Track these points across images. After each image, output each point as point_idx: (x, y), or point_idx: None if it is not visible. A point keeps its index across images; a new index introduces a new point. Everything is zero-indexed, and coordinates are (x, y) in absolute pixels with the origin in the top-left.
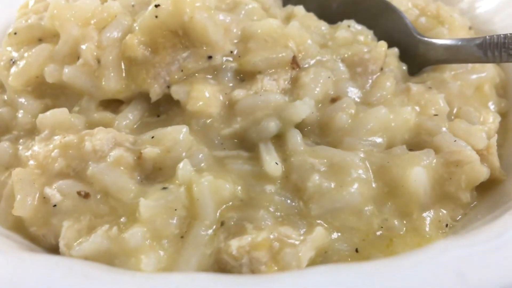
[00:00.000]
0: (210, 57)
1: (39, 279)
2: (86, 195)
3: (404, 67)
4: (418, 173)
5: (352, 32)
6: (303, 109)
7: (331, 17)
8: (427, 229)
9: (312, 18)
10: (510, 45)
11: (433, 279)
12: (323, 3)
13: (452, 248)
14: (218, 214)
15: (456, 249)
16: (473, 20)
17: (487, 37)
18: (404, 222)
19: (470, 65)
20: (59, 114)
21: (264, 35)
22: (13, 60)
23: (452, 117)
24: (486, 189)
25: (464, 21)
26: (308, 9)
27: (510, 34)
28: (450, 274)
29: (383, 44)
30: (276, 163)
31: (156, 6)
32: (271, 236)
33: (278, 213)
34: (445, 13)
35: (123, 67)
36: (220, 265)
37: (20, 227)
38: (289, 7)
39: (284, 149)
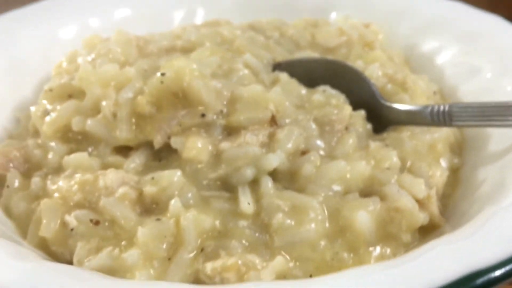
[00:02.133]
0: (203, 115)
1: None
2: (97, 223)
3: (369, 126)
4: (363, 216)
5: (326, 96)
6: (275, 160)
7: (314, 81)
8: (371, 262)
9: (293, 83)
10: (452, 113)
11: None
12: (307, 69)
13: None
14: (199, 242)
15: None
16: (441, 84)
17: (435, 106)
18: (352, 255)
19: (426, 127)
20: (80, 156)
21: (249, 98)
22: (47, 111)
23: (405, 170)
24: (428, 231)
25: (430, 87)
26: (295, 73)
27: (452, 103)
28: None
29: (348, 108)
30: (249, 203)
31: (162, 74)
32: (239, 262)
33: (247, 244)
34: (410, 81)
35: (133, 121)
36: (198, 283)
37: (43, 246)
38: (276, 73)
39: (257, 192)
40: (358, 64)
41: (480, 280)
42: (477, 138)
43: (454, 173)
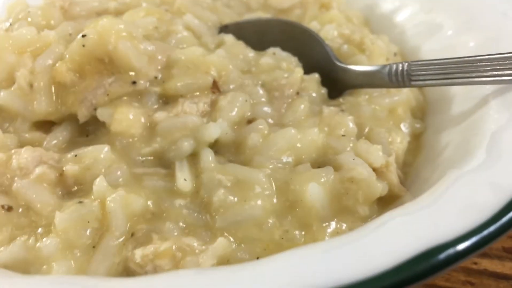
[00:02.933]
0: (134, 83)
1: None
2: (9, 209)
3: (324, 91)
4: (314, 188)
5: (276, 58)
6: (215, 130)
7: (265, 44)
8: (326, 239)
9: (240, 45)
10: (410, 72)
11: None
12: (257, 31)
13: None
14: (128, 226)
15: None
16: (402, 45)
17: (393, 64)
18: (303, 233)
19: (385, 89)
20: None
21: (187, 62)
22: None
23: (363, 137)
24: (387, 203)
25: (389, 48)
26: (244, 36)
27: (411, 62)
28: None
29: (298, 71)
30: (185, 179)
31: (83, 36)
32: (174, 246)
33: (185, 225)
34: (368, 41)
35: (53, 91)
36: (128, 273)
37: None
38: (221, 36)
39: (197, 166)
40: (313, 25)
41: (441, 256)
42: (440, 100)
43: (416, 138)
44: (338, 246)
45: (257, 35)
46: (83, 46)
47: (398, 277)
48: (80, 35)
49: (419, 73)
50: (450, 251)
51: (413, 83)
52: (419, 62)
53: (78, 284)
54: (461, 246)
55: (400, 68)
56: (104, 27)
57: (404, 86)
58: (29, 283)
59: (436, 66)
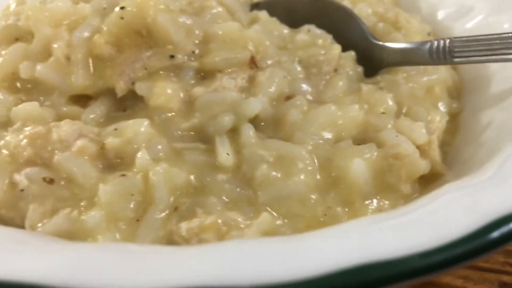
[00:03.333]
0: (172, 56)
1: None
2: (51, 181)
3: (360, 69)
4: (358, 164)
5: (312, 35)
6: (256, 105)
7: (297, 23)
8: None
9: (275, 22)
10: (453, 48)
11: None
12: (289, 9)
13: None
14: (171, 199)
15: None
16: (434, 26)
17: (434, 41)
18: (346, 210)
19: (422, 67)
20: (30, 107)
21: (224, 36)
22: None
23: (402, 115)
24: (429, 182)
25: (423, 27)
26: (275, 14)
27: (454, 38)
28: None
29: (337, 47)
30: (228, 154)
31: (122, 8)
32: (219, 220)
33: (228, 200)
34: (403, 20)
35: (91, 64)
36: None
37: None
38: (254, 12)
39: (237, 142)
40: (345, 3)
41: (497, 232)
42: (476, 80)
43: (453, 118)
44: (387, 219)
45: (289, 12)
46: (122, 18)
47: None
48: (119, 7)
49: (462, 49)
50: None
51: (456, 59)
52: (462, 38)
53: (127, 250)
54: None
55: (442, 45)
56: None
57: (446, 63)
58: (77, 250)
59: (480, 42)
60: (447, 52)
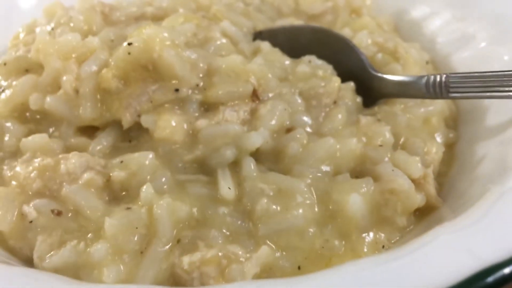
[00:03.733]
0: (177, 90)
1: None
2: (59, 213)
3: (359, 100)
4: (355, 199)
5: (312, 66)
6: (257, 139)
7: (298, 51)
8: (364, 249)
9: (276, 53)
10: (449, 83)
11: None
12: (291, 38)
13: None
14: (174, 232)
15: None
16: (433, 53)
17: (430, 75)
18: (343, 242)
19: (419, 99)
20: (39, 139)
21: (228, 70)
22: (2, 88)
23: (399, 147)
24: (424, 214)
25: (422, 56)
26: (277, 42)
27: (450, 74)
28: None
29: (336, 80)
30: (229, 187)
31: (129, 44)
32: (220, 254)
33: (229, 233)
34: (402, 50)
35: (98, 97)
36: (175, 279)
37: (0, 240)
38: (257, 43)
39: (238, 175)
40: (345, 32)
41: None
42: (473, 111)
43: (449, 148)
44: (385, 262)
45: (290, 41)
46: (129, 53)
47: None
48: (126, 43)
49: (458, 85)
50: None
51: (451, 95)
52: (458, 75)
53: None
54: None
55: (438, 80)
56: (150, 35)
57: (442, 97)
58: None
59: (475, 79)
60: (443, 87)
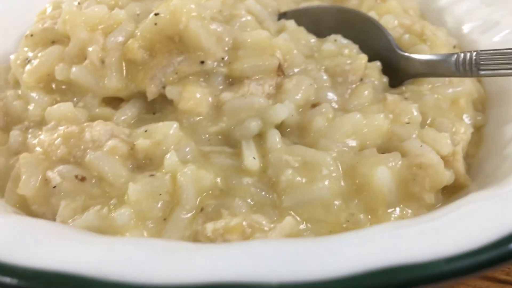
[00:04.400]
0: (202, 62)
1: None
2: (83, 179)
3: (385, 80)
4: (383, 172)
5: (338, 45)
6: (282, 111)
7: (323, 32)
8: None
9: (302, 31)
10: (479, 61)
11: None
12: (316, 19)
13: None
14: (198, 200)
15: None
16: (460, 39)
17: (460, 53)
18: (369, 217)
19: (447, 79)
20: (65, 107)
21: (253, 44)
22: (28, 59)
23: (426, 126)
24: (452, 192)
25: (449, 40)
26: (302, 23)
27: (480, 51)
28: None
29: (363, 57)
30: (254, 158)
31: (156, 14)
32: (244, 222)
33: (253, 203)
34: (429, 32)
35: (124, 68)
36: None
37: (23, 205)
38: (282, 21)
39: (263, 146)
40: (371, 15)
41: None
42: (501, 94)
43: (478, 131)
44: (409, 225)
45: (315, 22)
46: (155, 24)
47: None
48: (153, 13)
49: (489, 62)
50: None
51: (482, 72)
52: (489, 51)
53: (157, 245)
54: None
55: (468, 57)
56: (176, 6)
57: (472, 75)
58: (113, 243)
59: (506, 56)
60: (473, 65)
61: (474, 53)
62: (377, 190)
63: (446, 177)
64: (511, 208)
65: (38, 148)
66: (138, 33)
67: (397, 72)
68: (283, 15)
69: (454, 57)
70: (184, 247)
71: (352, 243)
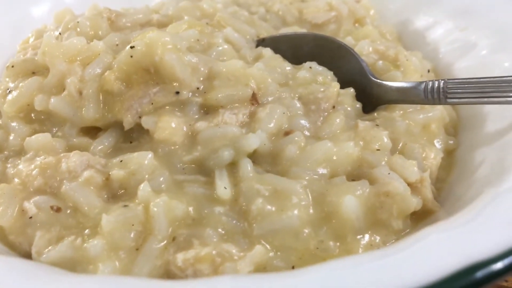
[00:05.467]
0: (177, 93)
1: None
2: (58, 209)
3: (358, 106)
4: (350, 200)
5: (313, 72)
6: (255, 141)
7: (300, 59)
8: (360, 251)
9: (278, 59)
10: (446, 89)
11: None
12: (293, 45)
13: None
14: (170, 230)
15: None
16: (436, 62)
17: (429, 82)
18: (338, 244)
19: (419, 105)
20: (43, 138)
21: (228, 73)
22: (9, 89)
23: (397, 152)
24: (420, 218)
25: (423, 65)
26: (280, 49)
27: (448, 79)
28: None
29: (335, 85)
30: (225, 187)
31: (132, 47)
32: (214, 252)
33: (224, 232)
34: (403, 57)
35: (101, 99)
36: (169, 276)
37: (1, 235)
38: (259, 49)
39: (235, 175)
40: (347, 41)
41: (480, 273)
42: (473, 117)
43: (449, 155)
44: (374, 259)
45: (293, 49)
46: (131, 56)
47: None
48: (129, 46)
49: (456, 91)
50: (489, 268)
51: (449, 100)
52: (456, 80)
53: (124, 284)
54: (499, 264)
55: (436, 85)
56: (152, 39)
57: (440, 103)
58: (79, 282)
59: (473, 85)
60: (441, 93)
61: (442, 82)
62: (345, 217)
63: (413, 204)
64: (473, 239)
65: (16, 179)
66: (115, 65)
67: (370, 98)
68: (261, 41)
69: (423, 85)
70: (152, 285)
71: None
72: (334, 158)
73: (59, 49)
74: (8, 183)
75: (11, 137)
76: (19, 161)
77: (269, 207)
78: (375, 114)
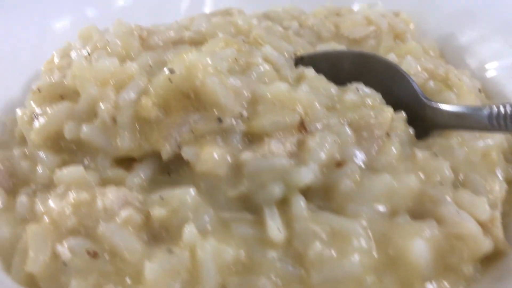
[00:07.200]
0: (220, 120)
1: None
2: (95, 254)
3: (411, 131)
4: (419, 245)
5: (360, 95)
6: (307, 174)
7: (342, 78)
8: None
9: (322, 80)
10: None
11: None
12: (334, 64)
13: None
14: (219, 278)
15: None
16: (484, 81)
17: (494, 107)
18: None
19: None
20: (74, 171)
21: (273, 98)
22: (36, 115)
23: (458, 184)
24: (490, 261)
25: (474, 84)
26: (319, 68)
27: None
28: None
29: (388, 110)
30: (279, 229)
31: (171, 71)
32: None
33: (279, 279)
34: (454, 77)
35: (137, 127)
36: None
37: (31, 283)
38: (300, 69)
39: (288, 214)
40: (391, 58)
41: None
42: None
43: (510, 185)
44: None
45: (334, 68)
46: (170, 81)
47: None
48: (167, 69)
49: None
50: None
51: None
52: None
53: None
54: None
55: (503, 111)
56: (192, 62)
57: (506, 131)
58: None
59: None
60: (508, 120)
61: (508, 106)
62: (414, 263)
63: (486, 246)
64: None
65: (46, 218)
66: (152, 90)
67: (424, 122)
68: (300, 60)
69: (486, 111)
70: None
71: None
72: (395, 193)
73: (90, 71)
74: (37, 222)
75: (39, 169)
76: (48, 195)
77: (327, 251)
78: (430, 140)
